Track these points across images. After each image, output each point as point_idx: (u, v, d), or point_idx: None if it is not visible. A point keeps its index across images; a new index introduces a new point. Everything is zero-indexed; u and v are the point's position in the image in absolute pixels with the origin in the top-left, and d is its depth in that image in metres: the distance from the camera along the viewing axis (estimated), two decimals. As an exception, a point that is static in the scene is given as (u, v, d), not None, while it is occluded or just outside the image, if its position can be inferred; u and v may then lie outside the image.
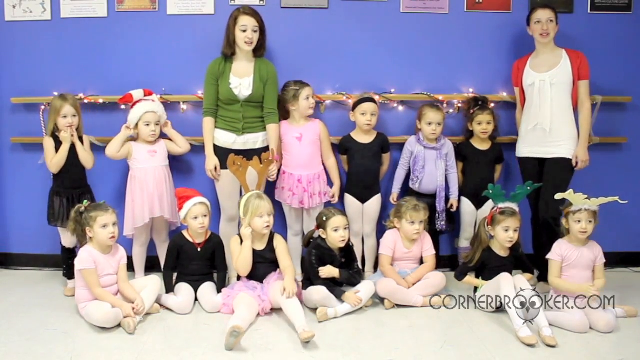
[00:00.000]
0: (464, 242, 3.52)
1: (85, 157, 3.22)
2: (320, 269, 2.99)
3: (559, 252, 2.92)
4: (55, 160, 3.15)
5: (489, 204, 3.30)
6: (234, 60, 3.26)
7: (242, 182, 3.18)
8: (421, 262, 3.24)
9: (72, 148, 3.19)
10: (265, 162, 3.18)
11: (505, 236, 2.99)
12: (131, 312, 2.74)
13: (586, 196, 2.85)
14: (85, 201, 2.94)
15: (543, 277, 3.30)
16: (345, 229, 3.02)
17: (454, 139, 3.54)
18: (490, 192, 3.07)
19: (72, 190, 3.21)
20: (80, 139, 3.23)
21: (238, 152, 3.26)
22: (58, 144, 3.17)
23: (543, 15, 3.19)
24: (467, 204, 3.48)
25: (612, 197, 2.86)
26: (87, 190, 3.29)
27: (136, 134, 3.30)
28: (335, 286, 2.99)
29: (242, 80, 3.24)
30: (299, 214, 3.43)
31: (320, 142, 3.39)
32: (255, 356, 2.47)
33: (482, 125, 3.41)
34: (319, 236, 3.08)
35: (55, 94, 3.46)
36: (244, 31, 3.15)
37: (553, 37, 3.22)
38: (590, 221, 2.85)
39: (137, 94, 3.27)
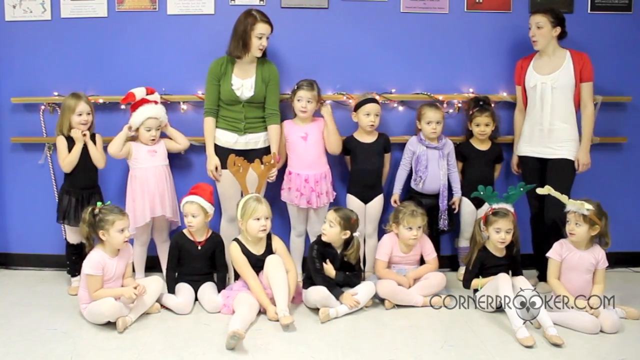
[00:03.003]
0: (463, 242, 3.53)
1: (97, 156, 3.23)
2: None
3: (559, 251, 2.91)
4: (68, 159, 3.16)
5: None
6: (237, 61, 3.25)
7: (242, 184, 3.17)
8: (420, 264, 3.24)
9: (84, 147, 3.20)
10: (266, 165, 3.18)
11: (497, 237, 3.00)
12: (133, 294, 2.75)
13: (582, 201, 2.85)
14: (99, 203, 2.90)
15: (543, 277, 3.30)
16: (330, 225, 3.02)
17: (454, 139, 3.53)
18: (481, 193, 3.08)
19: (83, 190, 3.22)
20: (93, 137, 3.25)
21: (239, 152, 3.26)
22: (71, 143, 3.19)
23: (532, 20, 3.21)
24: (467, 204, 3.48)
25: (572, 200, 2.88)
26: (97, 190, 3.30)
27: (136, 134, 3.30)
28: (336, 285, 2.99)
29: (244, 81, 3.24)
30: (304, 215, 3.43)
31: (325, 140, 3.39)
32: (255, 356, 2.47)
33: (481, 127, 3.41)
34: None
35: (56, 93, 3.48)
36: (260, 38, 3.15)
37: (545, 42, 3.20)
38: (577, 224, 2.83)
39: (139, 92, 3.27)
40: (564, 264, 2.89)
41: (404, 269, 3.18)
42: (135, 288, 2.78)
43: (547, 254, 2.95)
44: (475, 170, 3.47)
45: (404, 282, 3.09)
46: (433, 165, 3.39)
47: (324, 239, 3.06)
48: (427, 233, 3.26)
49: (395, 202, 3.46)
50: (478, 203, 3.45)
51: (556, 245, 2.94)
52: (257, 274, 2.99)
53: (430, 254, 3.21)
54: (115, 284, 2.85)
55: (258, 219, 2.97)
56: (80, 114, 3.17)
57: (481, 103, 3.44)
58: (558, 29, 3.19)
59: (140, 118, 3.23)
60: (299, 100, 3.31)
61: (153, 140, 3.27)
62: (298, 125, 3.38)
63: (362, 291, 2.99)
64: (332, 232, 3.03)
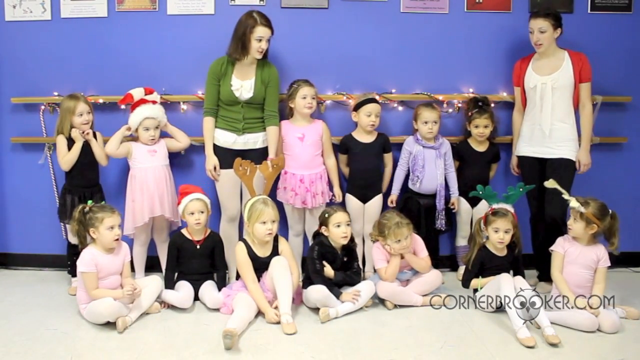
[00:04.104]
0: (461, 241, 3.53)
1: (100, 154, 3.25)
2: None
3: (562, 244, 2.94)
4: (67, 157, 3.17)
5: (485, 202, 3.30)
6: (237, 62, 3.25)
7: (249, 186, 3.17)
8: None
9: (86, 146, 3.21)
10: (275, 167, 3.18)
11: (495, 237, 3.00)
12: (125, 294, 2.75)
13: (586, 199, 2.87)
14: (90, 201, 2.92)
15: (543, 277, 3.31)
16: (347, 225, 3.04)
17: (452, 139, 3.53)
18: (480, 193, 3.08)
19: (84, 188, 3.23)
20: (94, 135, 3.26)
21: (238, 152, 3.26)
22: (71, 142, 3.20)
23: (534, 25, 3.18)
24: (463, 203, 3.49)
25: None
26: (99, 189, 3.31)
27: (137, 134, 3.30)
28: (335, 286, 2.99)
29: (243, 82, 3.24)
30: (301, 215, 3.43)
31: (322, 143, 3.39)
32: (255, 356, 2.47)
33: (479, 128, 3.41)
34: (321, 234, 3.09)
35: (56, 93, 3.48)
36: (259, 41, 3.15)
37: (548, 45, 3.19)
38: (575, 220, 2.86)
39: (137, 93, 3.27)
40: (565, 258, 2.91)
41: (404, 272, 3.17)
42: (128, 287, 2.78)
43: (551, 248, 2.97)
44: (472, 170, 3.47)
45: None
46: (430, 165, 3.39)
47: (345, 242, 3.06)
48: (423, 232, 3.25)
49: (392, 202, 3.46)
50: (474, 202, 3.45)
51: (559, 239, 2.97)
52: (261, 275, 2.99)
53: (422, 252, 3.19)
54: (113, 281, 2.85)
55: (264, 223, 2.97)
56: (81, 114, 3.17)
57: (480, 104, 3.43)
58: (559, 31, 3.19)
59: (138, 118, 3.24)
60: (304, 97, 3.30)
61: (153, 140, 3.27)
62: (295, 125, 3.38)
63: (362, 290, 2.98)
64: (350, 229, 3.07)
